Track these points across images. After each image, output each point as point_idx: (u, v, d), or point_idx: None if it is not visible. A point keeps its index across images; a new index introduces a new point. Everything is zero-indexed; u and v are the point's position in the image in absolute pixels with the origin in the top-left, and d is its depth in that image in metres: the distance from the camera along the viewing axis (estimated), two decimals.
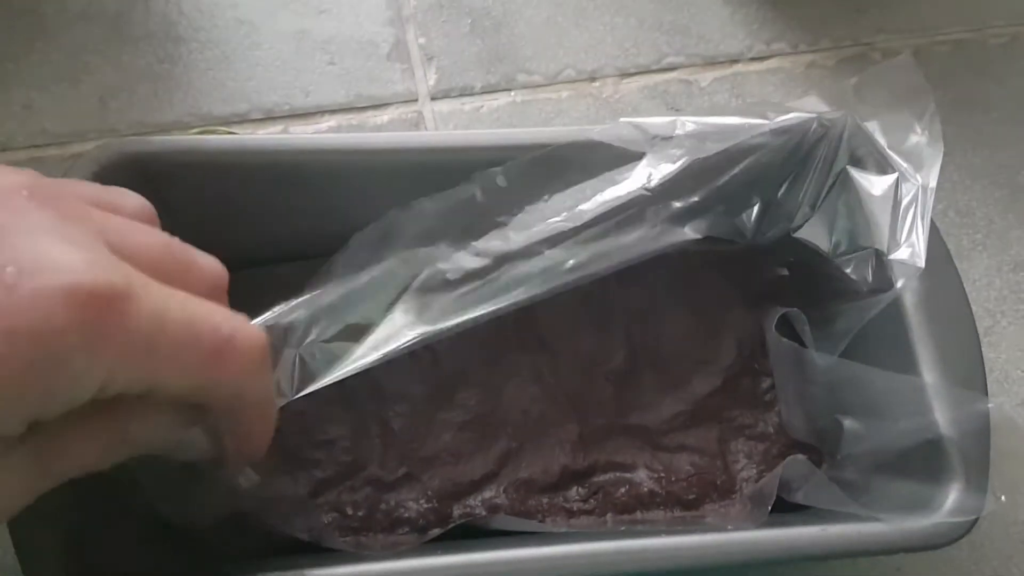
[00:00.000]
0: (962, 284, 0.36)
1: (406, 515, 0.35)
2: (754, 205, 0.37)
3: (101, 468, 0.22)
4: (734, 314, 0.40)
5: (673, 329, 0.40)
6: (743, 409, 0.39)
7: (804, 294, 0.39)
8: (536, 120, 0.48)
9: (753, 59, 0.51)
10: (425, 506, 0.36)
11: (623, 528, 0.36)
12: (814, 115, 0.36)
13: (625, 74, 0.50)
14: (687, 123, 0.35)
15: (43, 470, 0.21)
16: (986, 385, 0.34)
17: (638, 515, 0.36)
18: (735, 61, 0.51)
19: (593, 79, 0.49)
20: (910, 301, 0.35)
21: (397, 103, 0.48)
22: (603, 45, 0.50)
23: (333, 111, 0.47)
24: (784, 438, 0.38)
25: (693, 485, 0.37)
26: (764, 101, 0.49)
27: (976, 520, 0.32)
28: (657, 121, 0.35)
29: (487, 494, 0.36)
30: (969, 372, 0.34)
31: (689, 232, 0.35)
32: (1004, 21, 0.53)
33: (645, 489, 0.37)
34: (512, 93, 0.49)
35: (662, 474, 0.37)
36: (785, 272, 0.41)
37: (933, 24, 0.52)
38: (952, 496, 0.32)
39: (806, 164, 0.36)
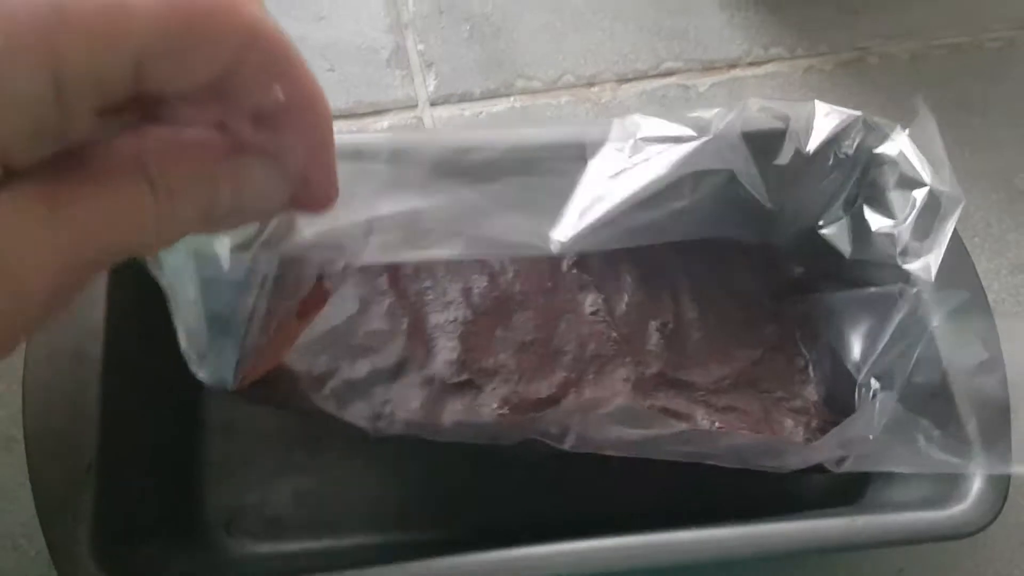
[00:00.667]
0: (987, 302, 0.37)
1: (474, 420, 0.34)
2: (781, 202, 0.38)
3: (138, 245, 0.19)
4: (766, 300, 0.41)
5: (713, 302, 0.40)
6: (781, 384, 0.40)
7: (822, 291, 0.40)
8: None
9: (751, 64, 0.51)
10: (498, 412, 0.35)
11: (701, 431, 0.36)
12: (856, 114, 0.37)
13: (623, 79, 0.50)
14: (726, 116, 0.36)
15: (65, 223, 0.18)
16: (1006, 379, 0.35)
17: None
18: (733, 66, 0.51)
19: (592, 84, 0.50)
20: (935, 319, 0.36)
21: (397, 109, 0.48)
22: (602, 50, 0.50)
23: (333, 117, 0.47)
24: (824, 413, 0.39)
25: (750, 444, 0.36)
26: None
27: (1003, 506, 0.33)
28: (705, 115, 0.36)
29: (557, 414, 0.35)
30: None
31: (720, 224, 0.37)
32: (1001, 25, 0.53)
33: (706, 438, 0.36)
34: (511, 99, 0.49)
35: (721, 428, 0.37)
36: (801, 270, 0.42)
37: (930, 28, 0.53)
38: (977, 483, 0.33)
39: (839, 166, 0.38)
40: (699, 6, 0.52)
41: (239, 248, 0.25)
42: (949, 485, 0.34)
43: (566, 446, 0.33)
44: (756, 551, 0.32)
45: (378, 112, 0.48)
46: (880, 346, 0.36)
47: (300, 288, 0.29)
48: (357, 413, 0.33)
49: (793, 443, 0.36)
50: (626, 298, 0.39)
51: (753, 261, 0.42)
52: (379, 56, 0.49)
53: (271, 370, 0.32)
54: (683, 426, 0.35)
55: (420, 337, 0.36)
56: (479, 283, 0.38)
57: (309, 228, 0.25)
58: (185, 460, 0.38)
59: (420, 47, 0.50)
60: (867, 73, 0.51)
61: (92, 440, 0.31)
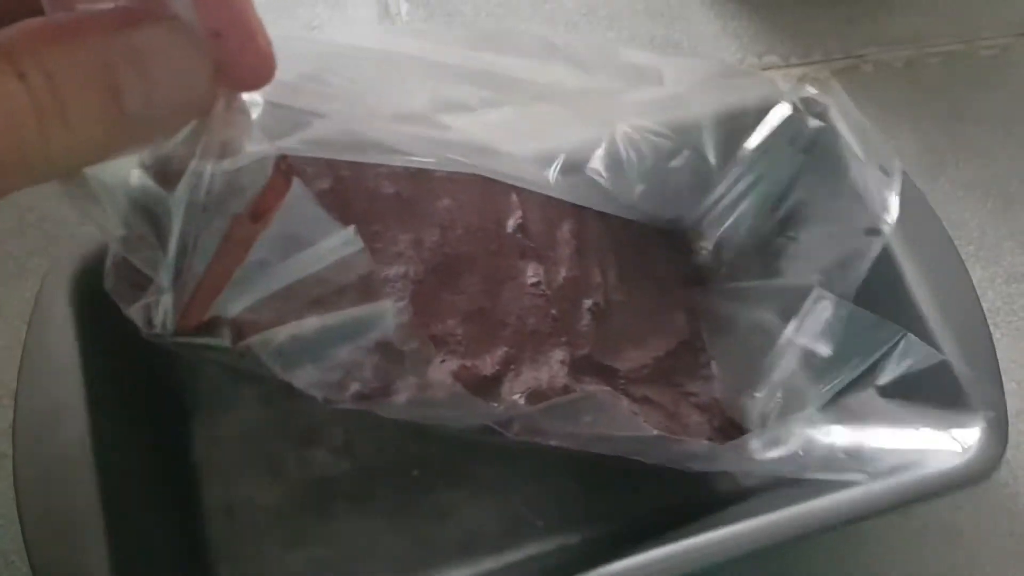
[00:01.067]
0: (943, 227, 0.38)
1: (429, 395, 0.31)
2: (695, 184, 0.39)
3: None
4: (678, 288, 0.40)
5: (636, 286, 0.39)
6: (689, 377, 0.39)
7: (737, 275, 0.40)
8: (530, 133, 0.48)
9: (744, 75, 0.51)
10: (451, 390, 0.32)
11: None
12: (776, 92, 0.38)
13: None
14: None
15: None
16: (985, 318, 0.36)
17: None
18: (727, 77, 0.51)
19: (584, 93, 0.49)
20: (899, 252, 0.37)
21: None
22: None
23: None
24: (720, 413, 0.38)
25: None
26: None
27: (1004, 449, 0.33)
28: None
29: (500, 396, 0.33)
30: (966, 307, 0.36)
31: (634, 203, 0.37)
32: (994, 33, 0.53)
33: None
34: (505, 108, 0.49)
35: (642, 419, 0.36)
36: (707, 249, 0.41)
37: (924, 36, 0.53)
38: (979, 426, 0.34)
39: (761, 143, 0.38)
40: (693, 14, 0.52)
41: (171, 163, 0.21)
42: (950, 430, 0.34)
43: (511, 434, 0.31)
44: (799, 531, 0.32)
45: None
46: (776, 361, 0.36)
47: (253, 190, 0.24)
48: (306, 378, 0.30)
49: (700, 448, 0.35)
50: (563, 272, 0.37)
51: (670, 245, 0.41)
52: None
53: (215, 320, 0.28)
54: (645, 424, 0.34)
55: (368, 292, 0.32)
56: (430, 236, 0.34)
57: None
58: (191, 546, 0.36)
59: None
60: (861, 81, 0.51)
61: (97, 534, 0.30)
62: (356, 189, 0.33)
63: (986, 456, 0.33)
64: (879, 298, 0.36)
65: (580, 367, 0.35)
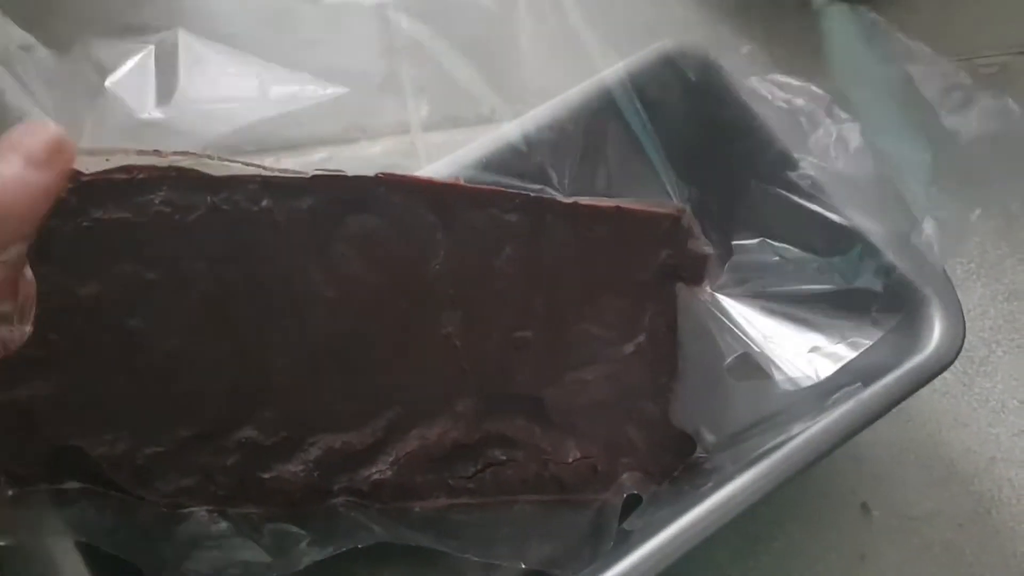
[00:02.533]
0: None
1: (282, 487, 0.33)
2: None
3: None
4: (650, 288, 0.37)
5: (593, 297, 0.36)
6: (639, 394, 0.37)
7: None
8: None
9: None
10: (303, 477, 0.33)
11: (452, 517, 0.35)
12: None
13: None
14: None
15: None
16: None
17: (519, 498, 0.35)
18: None
19: None
20: None
21: (389, 134, 0.48)
22: (589, 69, 0.50)
23: (325, 142, 0.47)
24: (667, 427, 0.37)
25: (576, 470, 0.36)
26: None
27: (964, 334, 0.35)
28: None
29: (372, 468, 0.34)
30: None
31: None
32: (993, 50, 0.53)
33: (531, 471, 0.35)
34: (503, 123, 0.49)
35: (549, 455, 0.35)
36: (707, 248, 0.38)
37: None
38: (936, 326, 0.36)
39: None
40: (697, 29, 0.52)
41: None
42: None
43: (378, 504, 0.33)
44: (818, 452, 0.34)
45: (371, 137, 0.48)
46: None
47: None
48: (158, 491, 0.31)
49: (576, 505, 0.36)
50: (490, 309, 0.35)
51: (651, 232, 0.37)
52: (372, 81, 0.49)
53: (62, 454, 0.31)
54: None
55: (239, 392, 0.33)
56: (318, 317, 0.33)
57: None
58: None
59: (413, 72, 0.49)
60: None
61: None
62: (237, 283, 0.32)
63: (948, 341, 0.35)
64: None
65: (491, 408, 0.35)
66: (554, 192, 0.37)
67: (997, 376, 0.44)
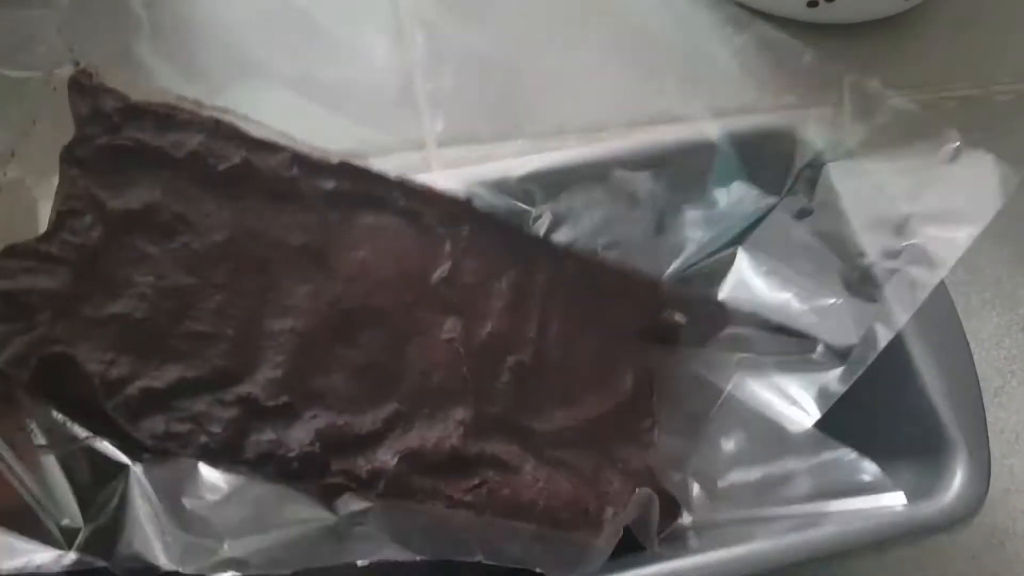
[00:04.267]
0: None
1: (277, 451, 0.31)
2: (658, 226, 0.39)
3: None
4: (637, 341, 0.38)
5: (578, 341, 0.37)
6: (622, 442, 0.37)
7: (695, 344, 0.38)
8: None
9: (761, 112, 0.51)
10: (306, 449, 0.31)
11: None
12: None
13: (633, 124, 0.50)
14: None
15: None
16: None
17: (515, 524, 0.34)
18: (745, 113, 0.50)
19: (601, 128, 0.49)
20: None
21: (404, 150, 0.47)
22: (611, 95, 0.50)
23: (340, 158, 0.47)
24: (652, 482, 0.36)
25: (568, 506, 0.35)
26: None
27: (986, 493, 0.33)
28: None
29: (372, 457, 0.32)
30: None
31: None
32: (1011, 78, 0.53)
33: (527, 498, 0.34)
34: (519, 141, 0.48)
35: (543, 486, 0.34)
36: (679, 318, 0.39)
37: (940, 80, 0.53)
38: (959, 475, 0.33)
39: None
40: (712, 53, 0.52)
41: None
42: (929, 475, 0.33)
43: (374, 494, 0.31)
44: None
45: (385, 152, 0.47)
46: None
47: None
48: (147, 430, 0.29)
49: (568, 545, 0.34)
50: (488, 327, 0.35)
51: (631, 294, 0.39)
52: (387, 96, 0.49)
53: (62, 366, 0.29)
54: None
55: (246, 345, 0.32)
56: (331, 289, 0.33)
57: None
58: None
59: (428, 87, 0.49)
60: None
61: None
62: (258, 239, 0.33)
63: (969, 495, 0.33)
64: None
65: (487, 427, 0.34)
66: (552, 228, 0.38)
67: (1012, 406, 0.44)
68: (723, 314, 0.37)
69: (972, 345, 0.36)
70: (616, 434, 0.37)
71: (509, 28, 0.52)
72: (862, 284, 0.36)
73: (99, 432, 0.30)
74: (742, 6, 0.54)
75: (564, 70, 0.51)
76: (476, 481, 0.34)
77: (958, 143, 0.36)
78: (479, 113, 0.49)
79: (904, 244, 0.36)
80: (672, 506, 0.35)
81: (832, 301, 0.36)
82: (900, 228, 0.36)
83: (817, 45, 0.52)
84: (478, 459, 0.34)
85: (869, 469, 0.33)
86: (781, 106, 0.51)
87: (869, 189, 0.37)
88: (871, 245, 0.36)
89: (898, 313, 0.34)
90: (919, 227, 0.36)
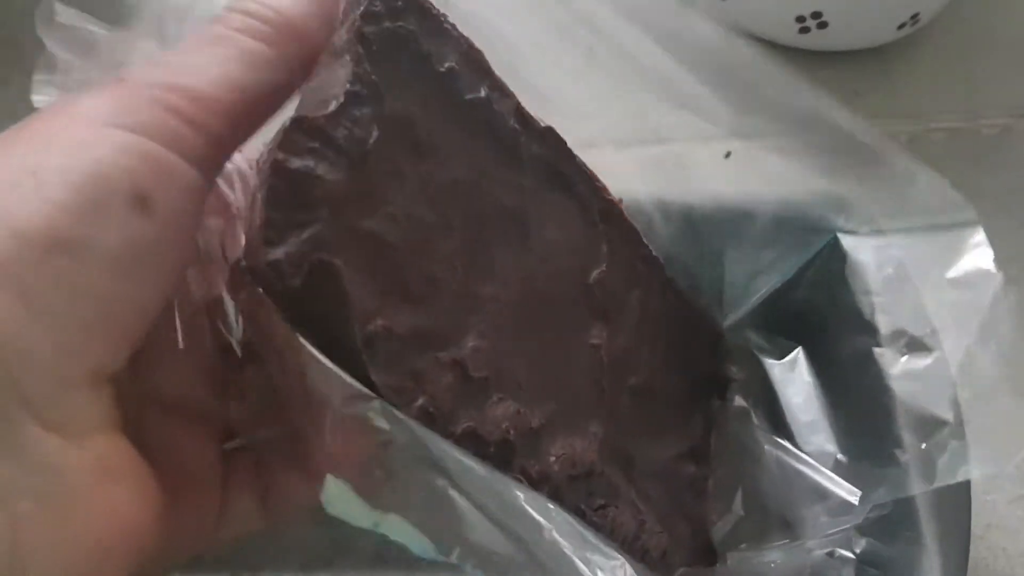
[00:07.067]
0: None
1: (478, 432, 0.26)
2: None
3: None
4: (700, 386, 0.39)
5: (671, 373, 0.37)
6: (685, 486, 0.36)
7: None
8: None
9: (752, 136, 0.50)
10: (503, 435, 0.27)
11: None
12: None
13: (621, 144, 0.49)
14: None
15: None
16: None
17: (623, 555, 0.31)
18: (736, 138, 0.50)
19: (590, 146, 0.49)
20: None
21: None
22: (601, 114, 0.50)
23: None
24: (705, 533, 0.36)
25: (658, 546, 0.33)
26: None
27: None
28: None
29: (540, 454, 0.29)
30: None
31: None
32: (997, 112, 0.53)
33: (632, 529, 0.32)
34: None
35: (643, 518, 0.32)
36: (736, 373, 0.39)
37: (928, 111, 0.53)
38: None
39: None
40: (704, 78, 0.52)
41: None
42: None
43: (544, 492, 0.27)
44: None
45: None
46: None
47: None
48: (385, 376, 0.24)
49: None
50: (622, 341, 0.33)
51: (701, 335, 0.39)
52: None
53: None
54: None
55: (461, 304, 0.27)
56: (526, 263, 0.30)
57: None
58: None
59: None
60: None
61: None
62: (483, 187, 0.28)
63: None
64: None
65: (609, 446, 0.32)
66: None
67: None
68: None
69: None
70: (684, 476, 0.36)
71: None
72: None
73: (340, 365, 0.24)
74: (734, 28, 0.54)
75: (550, 88, 0.50)
76: (602, 502, 0.31)
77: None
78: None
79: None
80: (711, 555, 0.35)
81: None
82: None
83: (807, 72, 0.52)
84: (600, 478, 0.31)
85: None
86: (771, 133, 0.51)
87: None
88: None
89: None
90: None
